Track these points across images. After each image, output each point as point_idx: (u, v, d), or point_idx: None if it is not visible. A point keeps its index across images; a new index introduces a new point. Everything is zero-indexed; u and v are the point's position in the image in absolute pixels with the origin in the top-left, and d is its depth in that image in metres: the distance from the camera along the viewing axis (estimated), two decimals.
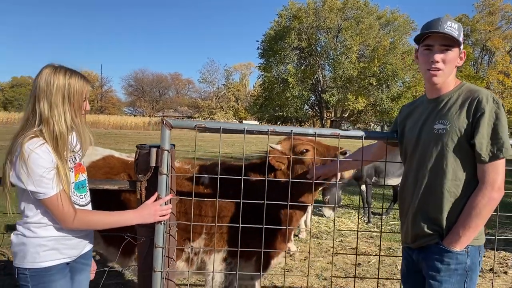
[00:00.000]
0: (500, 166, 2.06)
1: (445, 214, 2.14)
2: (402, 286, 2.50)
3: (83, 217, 2.15)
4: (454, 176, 2.13)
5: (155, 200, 2.40)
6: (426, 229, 2.19)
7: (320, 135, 2.47)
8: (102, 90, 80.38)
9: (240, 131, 2.39)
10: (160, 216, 2.39)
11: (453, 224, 2.12)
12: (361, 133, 2.51)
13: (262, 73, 52.64)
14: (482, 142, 2.05)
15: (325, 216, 7.45)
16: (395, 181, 8.46)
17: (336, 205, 5.83)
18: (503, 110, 2.09)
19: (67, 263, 2.22)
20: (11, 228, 6.32)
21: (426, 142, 2.22)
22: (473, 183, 2.11)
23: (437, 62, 2.17)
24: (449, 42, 2.16)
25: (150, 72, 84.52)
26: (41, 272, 2.11)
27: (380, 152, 2.77)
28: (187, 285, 4.35)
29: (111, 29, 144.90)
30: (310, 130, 2.46)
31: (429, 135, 2.20)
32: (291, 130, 2.46)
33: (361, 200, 8.83)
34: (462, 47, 2.22)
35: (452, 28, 2.15)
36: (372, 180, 8.51)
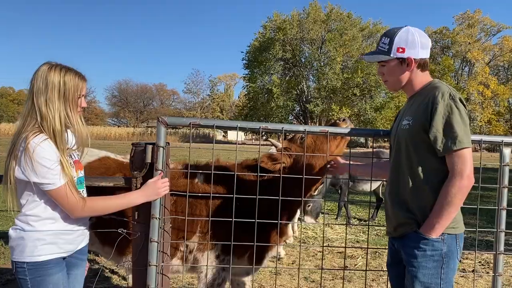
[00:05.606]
0: (466, 155, 2.16)
1: (417, 202, 2.27)
2: (388, 276, 2.60)
3: (92, 204, 2.22)
4: (421, 167, 2.26)
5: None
6: (403, 218, 2.31)
7: (310, 132, 2.58)
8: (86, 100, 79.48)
9: (233, 128, 2.48)
10: (163, 191, 2.47)
11: (428, 211, 2.23)
12: (348, 129, 2.63)
13: (247, 83, 52.86)
14: (437, 136, 2.18)
15: (307, 223, 7.54)
16: (371, 186, 8.67)
17: (319, 212, 5.94)
18: (461, 104, 2.20)
19: (64, 258, 2.26)
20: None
21: (398, 137, 2.40)
22: (440, 172, 2.23)
23: (382, 75, 2.49)
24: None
25: (134, 83, 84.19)
26: (39, 265, 2.15)
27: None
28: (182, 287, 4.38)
29: (95, 39, 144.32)
30: (301, 127, 2.57)
31: (400, 131, 2.38)
32: (282, 127, 2.56)
33: (344, 206, 9.07)
34: (404, 55, 2.34)
35: (383, 44, 2.38)
36: (349, 186, 8.74)
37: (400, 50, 2.33)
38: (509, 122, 62.97)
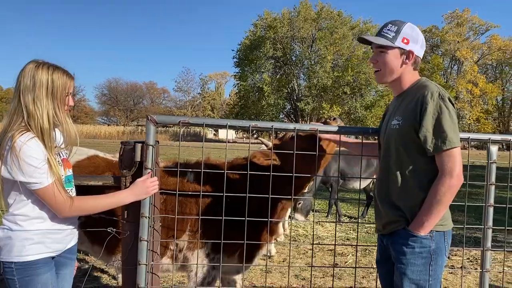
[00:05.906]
0: (455, 155, 2.19)
1: (406, 201, 2.30)
2: (377, 273, 2.62)
3: (80, 203, 2.20)
4: (410, 166, 2.29)
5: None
6: (392, 216, 2.34)
7: (300, 130, 2.59)
8: (75, 99, 78.82)
9: (223, 126, 2.47)
10: (152, 190, 2.46)
11: (417, 210, 2.26)
12: (337, 128, 2.65)
13: (238, 82, 52.77)
14: (427, 136, 2.20)
15: (297, 220, 7.57)
16: (361, 183, 8.74)
17: (309, 209, 5.97)
18: (450, 104, 2.22)
19: (53, 257, 2.25)
20: None
21: (387, 136, 2.42)
22: (429, 172, 2.25)
23: (375, 63, 2.42)
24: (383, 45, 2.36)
25: (124, 81, 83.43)
26: (27, 265, 2.13)
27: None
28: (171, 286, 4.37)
29: (84, 37, 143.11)
30: (291, 125, 2.58)
31: (389, 130, 2.40)
32: (272, 125, 2.56)
33: (334, 204, 9.13)
34: (407, 47, 2.35)
35: (389, 31, 2.35)
36: (340, 184, 8.80)
37: (405, 41, 2.35)
38: (497, 120, 63.70)
